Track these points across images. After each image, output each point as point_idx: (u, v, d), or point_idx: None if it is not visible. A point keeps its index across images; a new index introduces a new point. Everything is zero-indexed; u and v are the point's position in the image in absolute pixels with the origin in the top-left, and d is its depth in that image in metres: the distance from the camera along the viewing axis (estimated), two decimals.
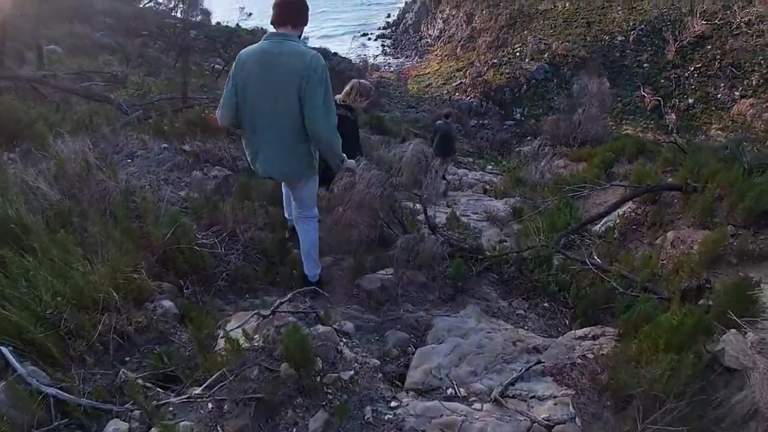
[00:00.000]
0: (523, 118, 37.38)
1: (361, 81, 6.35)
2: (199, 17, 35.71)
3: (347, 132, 5.16)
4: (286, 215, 5.88)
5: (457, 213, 7.34)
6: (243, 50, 4.10)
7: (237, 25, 40.40)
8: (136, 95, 10.21)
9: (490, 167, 18.59)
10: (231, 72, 4.13)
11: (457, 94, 41.25)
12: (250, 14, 43.86)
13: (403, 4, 68.08)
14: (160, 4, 35.84)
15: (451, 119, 14.68)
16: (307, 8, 4.16)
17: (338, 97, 5.97)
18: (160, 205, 5.49)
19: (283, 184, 5.35)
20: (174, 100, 9.69)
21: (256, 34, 38.56)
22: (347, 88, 6.18)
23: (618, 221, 7.60)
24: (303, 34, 4.20)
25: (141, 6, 35.31)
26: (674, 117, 33.98)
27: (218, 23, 40.28)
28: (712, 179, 7.55)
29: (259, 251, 5.67)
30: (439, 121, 14.24)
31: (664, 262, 6.22)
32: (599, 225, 7.94)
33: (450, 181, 14.03)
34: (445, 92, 42.70)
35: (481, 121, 36.49)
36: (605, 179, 9.71)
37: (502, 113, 37.87)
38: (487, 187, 13.11)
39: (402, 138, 15.69)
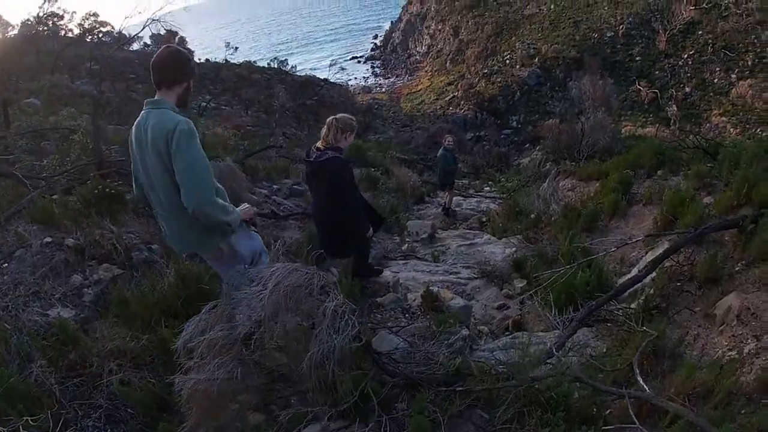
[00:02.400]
0: (519, 126, 35.96)
1: (338, 116, 4.99)
2: None
3: (340, 178, 4.74)
4: None
5: (436, 290, 5.20)
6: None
7: (225, 60, 39.04)
8: (57, 162, 8.10)
9: (488, 188, 16.38)
10: None
11: (450, 108, 39.98)
12: (236, 48, 42.68)
13: (388, 25, 67.21)
14: (149, 46, 34.39)
15: (452, 145, 12.83)
16: (183, 62, 3.65)
17: (318, 144, 4.93)
18: (13, 338, 4.08)
19: None
20: (91, 165, 7.60)
21: (243, 67, 37.41)
22: (324, 129, 4.97)
23: (656, 280, 5.44)
24: (180, 99, 3.66)
25: (131, 49, 33.77)
26: (675, 108, 31.97)
27: (207, 60, 38.89)
28: None
29: (130, 405, 3.71)
30: (440, 151, 12.44)
31: (741, 369, 4.02)
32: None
33: (456, 213, 12.29)
34: (438, 107, 41.35)
35: (477, 133, 35.20)
36: (625, 206, 7.58)
37: (498, 123, 36.42)
38: (484, 219, 11.00)
39: (385, 169, 13.67)
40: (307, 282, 3.36)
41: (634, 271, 5.94)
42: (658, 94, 34.42)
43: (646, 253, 6.33)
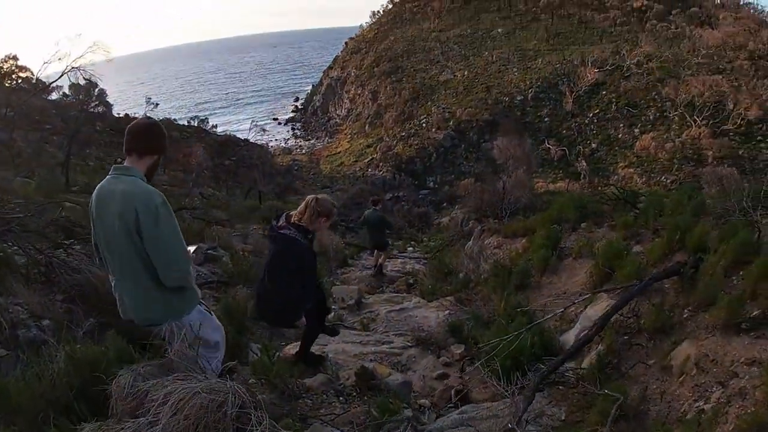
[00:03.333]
0: (436, 186, 36.77)
1: (319, 197, 4.56)
2: (100, 109, 32.72)
3: (302, 266, 4.38)
4: None
5: (371, 366, 4.60)
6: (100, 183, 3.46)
7: (145, 116, 37.57)
8: None
9: (411, 249, 15.93)
10: None
11: (369, 169, 40.20)
12: (157, 105, 41.32)
13: (309, 87, 67.89)
14: (68, 96, 32.58)
15: (380, 206, 12.53)
16: (160, 135, 3.51)
17: (292, 214, 4.53)
18: None
19: None
20: None
21: (163, 124, 36.11)
22: (301, 206, 4.54)
23: (603, 335, 5.03)
24: (149, 170, 3.45)
25: (49, 99, 31.72)
26: (585, 164, 33.32)
27: (126, 115, 37.40)
28: (711, 249, 5.34)
29: None
30: (367, 211, 12.03)
31: (716, 421, 3.58)
32: (576, 337, 5.39)
33: (385, 275, 11.59)
34: (357, 169, 41.51)
35: (395, 194, 35.24)
36: (555, 260, 7.26)
37: (415, 183, 36.98)
38: (411, 280, 10.47)
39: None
40: (217, 406, 2.53)
41: (577, 328, 5.56)
42: (567, 151, 35.93)
43: (585, 308, 5.96)
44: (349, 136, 49.81)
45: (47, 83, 29.74)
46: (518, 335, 5.12)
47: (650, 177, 31.47)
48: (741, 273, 5.03)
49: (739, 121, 32.47)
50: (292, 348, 5.12)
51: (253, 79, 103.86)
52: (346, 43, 66.12)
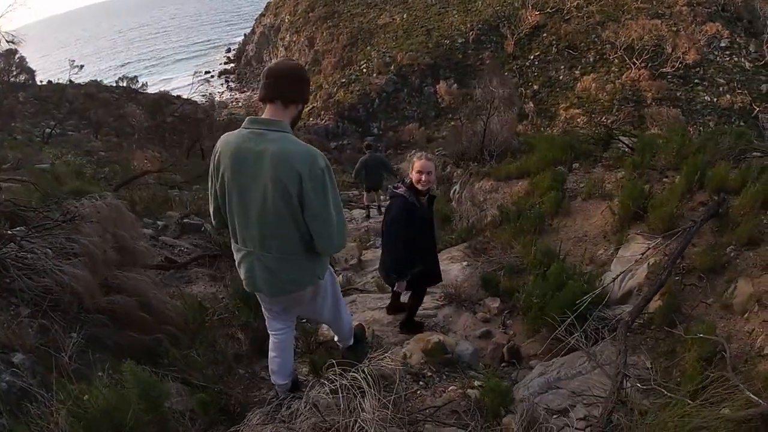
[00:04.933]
0: (380, 132, 36.07)
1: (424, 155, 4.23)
2: (22, 77, 30.23)
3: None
4: (276, 380, 3.63)
5: (440, 339, 4.10)
6: (223, 136, 2.95)
7: (69, 81, 35.03)
8: None
9: (384, 197, 15.32)
10: (210, 164, 3.03)
11: (311, 119, 39.03)
12: (82, 66, 38.56)
13: (241, 38, 65.02)
14: None
15: (372, 149, 12.90)
16: (306, 82, 2.97)
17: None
18: None
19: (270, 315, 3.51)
20: None
21: (90, 86, 33.84)
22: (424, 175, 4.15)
23: (650, 277, 4.76)
24: (292, 123, 2.91)
25: None
26: (533, 105, 33.56)
27: (49, 81, 34.75)
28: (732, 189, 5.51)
29: None
30: (364, 156, 12.47)
31: None
32: (620, 281, 5.09)
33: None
34: None
35: (340, 142, 34.58)
36: (566, 201, 6.92)
37: (359, 131, 36.20)
38: None
39: None
40: None
41: (616, 271, 5.27)
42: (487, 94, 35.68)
43: (616, 250, 5.68)
44: None
45: None
46: (562, 283, 4.82)
47: (591, 117, 31.91)
48: None
49: (677, 65, 33.17)
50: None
51: (181, 33, 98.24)
52: None
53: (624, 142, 8.32)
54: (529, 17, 38.54)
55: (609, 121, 30.98)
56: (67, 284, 3.54)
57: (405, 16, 44.61)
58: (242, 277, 3.15)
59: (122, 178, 9.63)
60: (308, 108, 40.99)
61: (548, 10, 39.21)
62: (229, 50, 66.90)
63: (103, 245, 4.04)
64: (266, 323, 3.57)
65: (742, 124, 29.36)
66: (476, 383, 3.62)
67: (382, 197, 12.71)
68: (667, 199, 5.67)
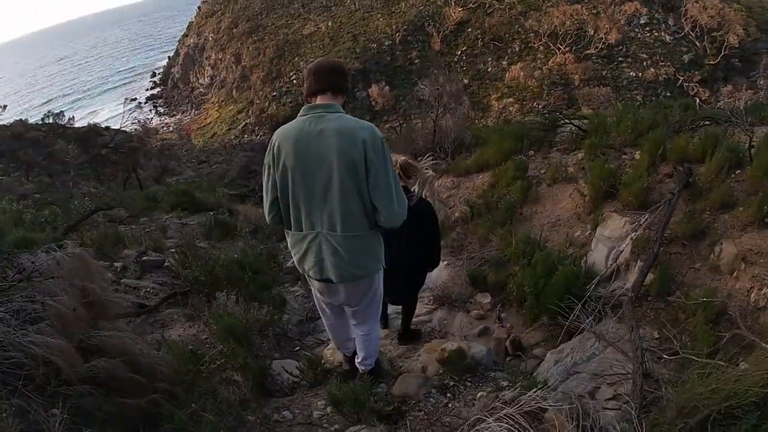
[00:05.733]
0: None
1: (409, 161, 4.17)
2: None
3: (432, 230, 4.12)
4: (344, 352, 3.96)
5: (454, 345, 3.93)
6: (278, 130, 3.08)
7: None
8: None
9: None
10: (266, 159, 3.11)
11: (245, 135, 38.61)
12: (5, 107, 36.69)
13: (165, 61, 63.49)
14: None
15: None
16: (348, 76, 3.22)
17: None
18: None
19: (328, 308, 3.61)
20: None
21: (17, 126, 32.27)
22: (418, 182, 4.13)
23: (634, 249, 4.82)
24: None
25: None
26: (466, 99, 33.90)
27: None
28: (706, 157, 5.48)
29: None
30: None
31: None
32: (606, 259, 5.13)
33: None
34: (233, 137, 39.68)
35: None
36: (533, 189, 6.93)
37: None
38: None
39: (228, 210, 11.81)
40: None
41: (601, 249, 5.29)
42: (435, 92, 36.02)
43: (593, 230, 5.71)
44: (217, 104, 47.41)
45: None
46: (552, 269, 4.81)
47: (523, 105, 32.62)
48: (733, 176, 5.24)
49: (600, 46, 34.27)
50: (333, 350, 4.31)
51: (103, 62, 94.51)
52: (199, 7, 61.64)
53: (575, 125, 8.40)
54: (453, 14, 39.10)
55: (540, 106, 31.83)
56: (39, 356, 3.01)
57: (330, 24, 44.53)
58: (309, 266, 3.17)
59: (65, 220, 8.95)
60: (241, 124, 40.44)
61: (471, 5, 39.85)
62: (154, 75, 65.13)
63: (71, 302, 3.56)
64: (322, 316, 3.70)
65: (668, 94, 30.66)
66: (503, 383, 3.49)
67: None
68: (638, 175, 5.73)
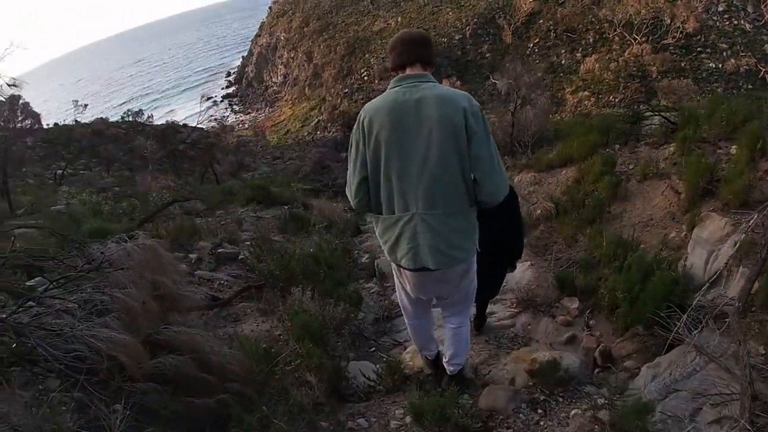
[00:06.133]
0: None
1: None
2: (28, 122, 30.14)
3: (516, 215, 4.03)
4: (427, 354, 3.71)
5: (547, 356, 3.58)
6: (366, 105, 2.85)
7: (75, 120, 34.98)
8: None
9: None
10: (352, 137, 2.89)
11: (318, 132, 38.89)
12: (86, 106, 38.55)
13: (240, 60, 65.00)
14: None
15: None
16: (433, 48, 2.98)
17: None
18: None
19: (414, 306, 3.34)
20: None
21: (98, 124, 33.82)
22: None
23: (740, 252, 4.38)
24: None
25: None
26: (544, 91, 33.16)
27: (56, 124, 34.75)
28: None
29: None
30: None
31: None
32: (704, 264, 4.70)
33: None
34: (306, 134, 40.09)
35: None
36: (623, 185, 6.49)
37: None
38: None
39: (302, 205, 11.82)
40: None
41: (699, 254, 4.85)
42: (513, 84, 35.19)
43: (690, 230, 5.28)
44: (290, 102, 48.02)
45: None
46: (648, 273, 4.45)
47: (599, 98, 31.43)
48: None
49: (677, 35, 32.51)
50: (413, 353, 4.07)
51: (179, 64, 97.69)
52: (270, 7, 62.66)
53: (665, 117, 7.89)
54: (524, 5, 37.99)
55: (617, 99, 30.54)
56: (103, 351, 2.87)
57: (399, 19, 44.22)
58: (402, 254, 2.87)
59: (142, 211, 9.14)
60: (314, 121, 40.85)
61: None
62: (228, 74, 66.73)
63: (141, 295, 3.45)
64: (405, 315, 3.47)
65: (750, 87, 28.80)
66: (600, 401, 3.16)
67: None
68: (738, 171, 5.26)
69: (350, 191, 2.98)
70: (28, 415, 2.57)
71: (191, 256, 6.76)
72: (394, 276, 3.28)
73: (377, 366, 3.93)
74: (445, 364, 3.59)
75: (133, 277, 3.46)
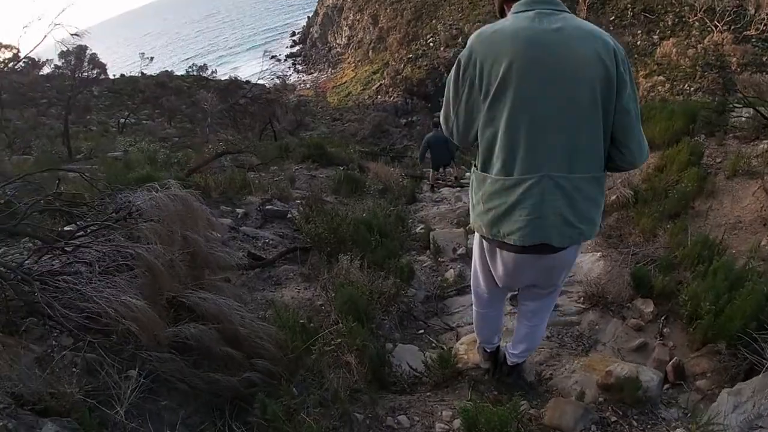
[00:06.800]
0: None
1: None
2: (95, 71, 30.61)
3: None
4: (488, 347, 3.22)
5: (626, 370, 3.08)
6: (480, 31, 2.21)
7: (141, 73, 35.52)
8: None
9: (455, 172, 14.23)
10: (456, 74, 2.23)
11: (379, 96, 38.31)
12: (152, 59, 38.94)
13: (305, 20, 64.64)
14: (60, 68, 30.29)
15: (439, 126, 11.96)
16: None
17: None
18: None
19: (491, 295, 2.79)
20: None
21: (162, 76, 34.25)
22: None
23: None
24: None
25: (40, 74, 29.68)
26: None
27: (122, 75, 35.35)
28: None
29: None
30: (429, 134, 12.58)
31: None
32: None
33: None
34: (366, 97, 39.59)
35: (409, 119, 33.61)
36: (710, 179, 5.83)
37: (428, 106, 34.43)
38: None
39: (358, 167, 11.46)
40: None
41: None
42: None
43: None
44: (353, 64, 47.50)
45: (37, 59, 27.59)
46: (738, 283, 3.87)
47: (673, 85, 29.73)
48: None
49: (761, 27, 30.26)
50: (469, 345, 3.59)
51: (245, 21, 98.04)
52: None
53: (759, 111, 7.12)
54: None
55: (692, 88, 28.86)
56: (112, 315, 2.53)
57: None
58: (515, 227, 2.19)
59: (196, 161, 8.93)
60: (376, 85, 40.25)
61: None
62: (293, 34, 66.54)
63: (166, 253, 2.99)
64: (476, 303, 2.96)
65: None
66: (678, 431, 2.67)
67: (450, 170, 12.70)
68: None
69: (456, 132, 2.38)
70: (32, 377, 2.25)
71: (238, 210, 6.49)
72: (476, 256, 2.68)
73: (425, 354, 3.51)
74: (507, 353, 3.11)
75: (160, 231, 3.04)
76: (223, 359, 2.72)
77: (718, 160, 6.39)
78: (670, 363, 3.65)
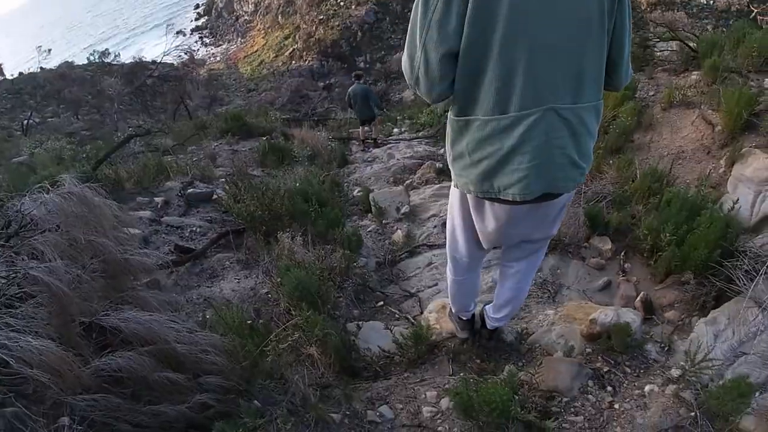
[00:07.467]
0: (368, 65, 33.45)
1: None
2: None
3: None
4: (463, 315, 2.89)
5: (611, 317, 2.79)
6: None
7: (40, 68, 32.88)
8: None
9: (398, 130, 13.79)
10: None
11: (293, 61, 37.20)
12: (50, 50, 36.11)
13: None
14: None
15: (363, 79, 12.56)
16: None
17: None
18: None
19: (471, 259, 2.46)
20: None
21: (62, 68, 32.03)
22: None
23: None
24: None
25: None
26: None
27: (20, 73, 32.79)
28: None
29: None
30: (351, 87, 11.91)
31: None
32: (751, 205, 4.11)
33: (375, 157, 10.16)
34: (280, 63, 38.32)
35: (327, 81, 32.90)
36: (648, 114, 5.77)
37: (345, 67, 33.85)
38: (438, 165, 8.25)
39: (283, 135, 10.98)
40: None
41: (746, 192, 4.25)
42: None
43: (729, 167, 4.65)
44: (263, 31, 45.80)
45: None
46: (692, 213, 3.82)
47: None
48: None
49: None
50: (439, 313, 3.31)
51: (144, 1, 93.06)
52: None
53: (686, 44, 7.19)
54: None
55: None
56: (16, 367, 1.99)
57: None
58: (516, 177, 1.79)
59: (105, 152, 8.14)
60: (288, 50, 39.07)
61: None
62: (197, 6, 63.42)
63: (70, 270, 2.40)
64: (452, 269, 2.61)
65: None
66: (675, 373, 2.48)
67: (373, 130, 12.02)
68: None
69: (424, 75, 1.80)
70: None
71: (157, 199, 5.83)
72: (455, 216, 2.32)
73: (393, 330, 3.24)
74: (486, 317, 2.84)
75: (59, 242, 2.47)
76: (165, 386, 2.28)
77: (651, 93, 6.40)
78: (638, 298, 3.57)
